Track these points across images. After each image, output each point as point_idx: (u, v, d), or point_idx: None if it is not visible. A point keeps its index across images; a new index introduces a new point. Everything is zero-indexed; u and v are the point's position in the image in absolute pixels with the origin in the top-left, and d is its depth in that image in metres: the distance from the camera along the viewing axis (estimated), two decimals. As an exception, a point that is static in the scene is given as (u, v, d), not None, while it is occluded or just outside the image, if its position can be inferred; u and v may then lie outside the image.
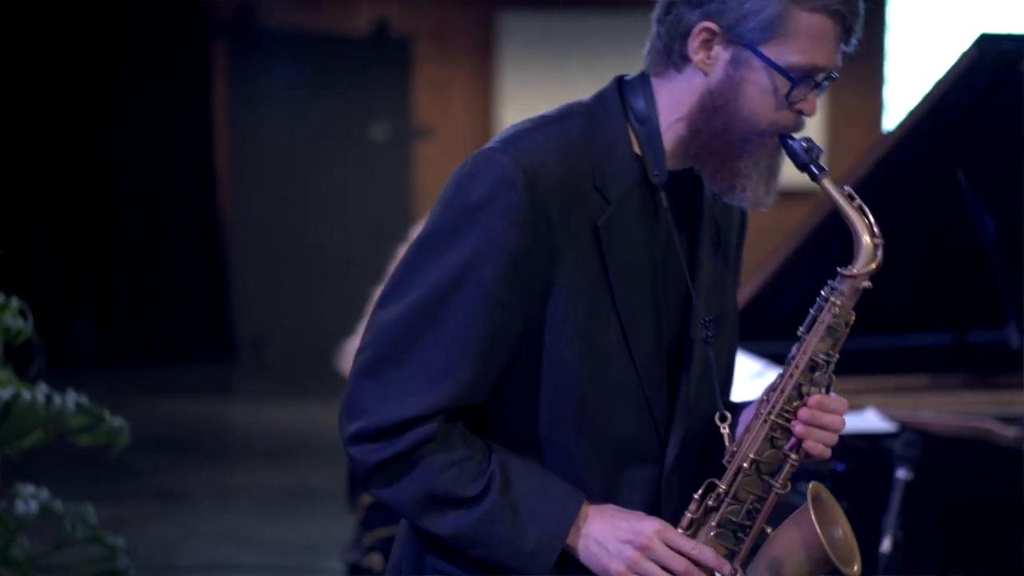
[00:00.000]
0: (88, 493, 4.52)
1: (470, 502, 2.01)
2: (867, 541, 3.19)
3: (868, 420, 3.76)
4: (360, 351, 2.05)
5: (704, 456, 2.20)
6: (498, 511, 2.00)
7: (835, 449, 3.54)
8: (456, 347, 2.00)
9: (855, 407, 3.92)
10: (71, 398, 3.82)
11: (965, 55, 3.44)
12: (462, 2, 12.28)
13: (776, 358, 4.05)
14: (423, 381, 2.00)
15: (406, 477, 2.01)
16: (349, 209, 12.23)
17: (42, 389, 3.78)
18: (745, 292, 4.38)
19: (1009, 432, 3.64)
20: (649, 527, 2.03)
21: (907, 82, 11.74)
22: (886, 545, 3.13)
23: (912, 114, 3.61)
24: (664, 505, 2.13)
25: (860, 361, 4.46)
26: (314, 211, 12.19)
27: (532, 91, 12.20)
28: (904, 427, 3.61)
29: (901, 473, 3.19)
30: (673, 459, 2.13)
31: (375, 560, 4.26)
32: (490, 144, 2.08)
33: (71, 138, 11.32)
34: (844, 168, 3.89)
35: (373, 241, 12.24)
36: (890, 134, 3.72)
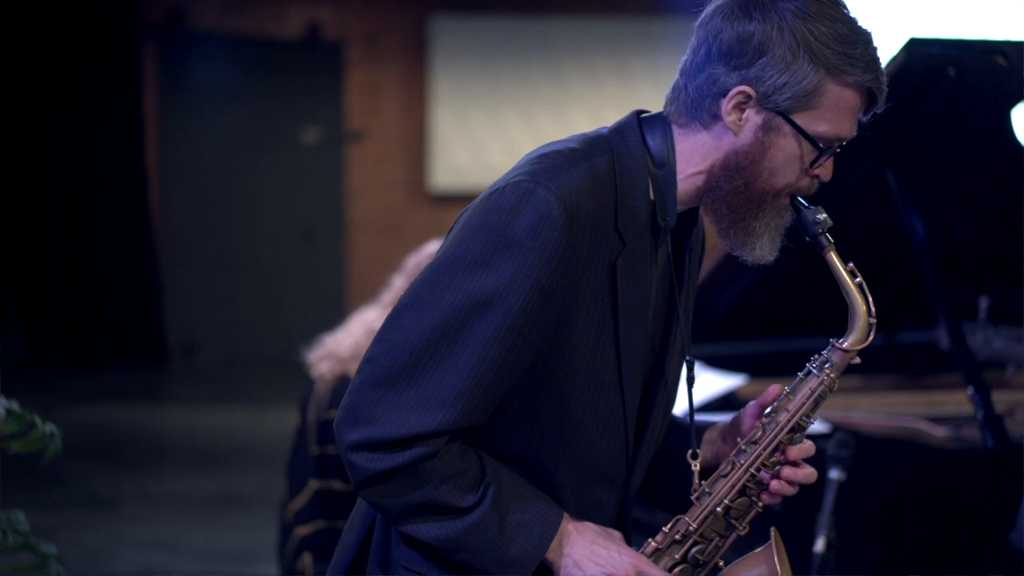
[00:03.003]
0: (19, 500, 4.47)
1: (463, 512, 2.08)
2: (801, 541, 3.22)
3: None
4: (371, 360, 2.08)
5: (653, 472, 2.35)
6: (487, 521, 2.08)
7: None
8: (472, 373, 2.04)
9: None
10: (1, 404, 3.77)
11: (894, 59, 3.48)
12: (394, 6, 12.26)
13: (708, 360, 4.06)
14: (435, 402, 2.04)
15: (404, 488, 2.07)
16: (281, 213, 12.19)
17: (-29, 395, 3.72)
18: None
19: (939, 432, 3.67)
20: (628, 561, 2.12)
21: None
22: (820, 545, 3.15)
23: (843, 117, 3.64)
24: (624, 528, 2.23)
25: (792, 363, 4.50)
26: (246, 215, 12.14)
27: (464, 94, 12.20)
28: (836, 427, 3.64)
29: (834, 473, 3.21)
30: (637, 486, 2.26)
31: (306, 561, 4.24)
32: (525, 175, 2.09)
33: (-2, 141, 11.22)
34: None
35: (305, 245, 12.21)
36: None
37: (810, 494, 3.25)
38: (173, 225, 12.06)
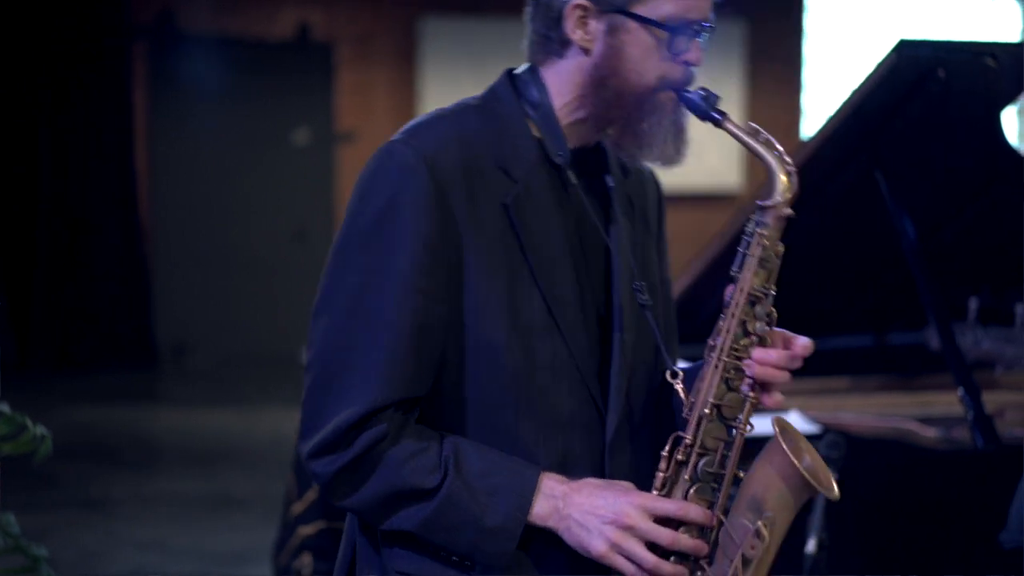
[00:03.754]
0: (10, 502, 4.47)
1: (430, 492, 2.04)
2: (792, 542, 3.23)
3: (791, 422, 3.79)
4: (306, 371, 2.10)
5: (657, 418, 2.23)
6: (456, 495, 2.03)
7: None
8: (387, 344, 2.04)
9: (779, 410, 3.95)
10: (-8, 407, 3.77)
11: (884, 61, 3.49)
12: (384, 7, 12.26)
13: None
14: (359, 383, 2.04)
15: (366, 480, 2.05)
16: (272, 214, 12.18)
17: (-37, 398, 3.72)
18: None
19: (930, 433, 3.68)
20: (629, 502, 2.04)
21: (824, 89, 11.85)
22: (811, 546, 3.16)
23: (832, 119, 3.66)
24: (609, 475, 2.14)
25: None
26: (236, 216, 12.13)
27: (453, 95, 12.08)
28: (827, 429, 3.65)
29: (825, 474, 3.21)
30: (615, 428, 2.15)
31: (305, 561, 4.24)
32: (388, 141, 2.13)
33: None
34: (764, 174, 3.92)
35: (296, 246, 12.20)
36: (811, 139, 3.76)
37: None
38: (164, 226, 12.05)
